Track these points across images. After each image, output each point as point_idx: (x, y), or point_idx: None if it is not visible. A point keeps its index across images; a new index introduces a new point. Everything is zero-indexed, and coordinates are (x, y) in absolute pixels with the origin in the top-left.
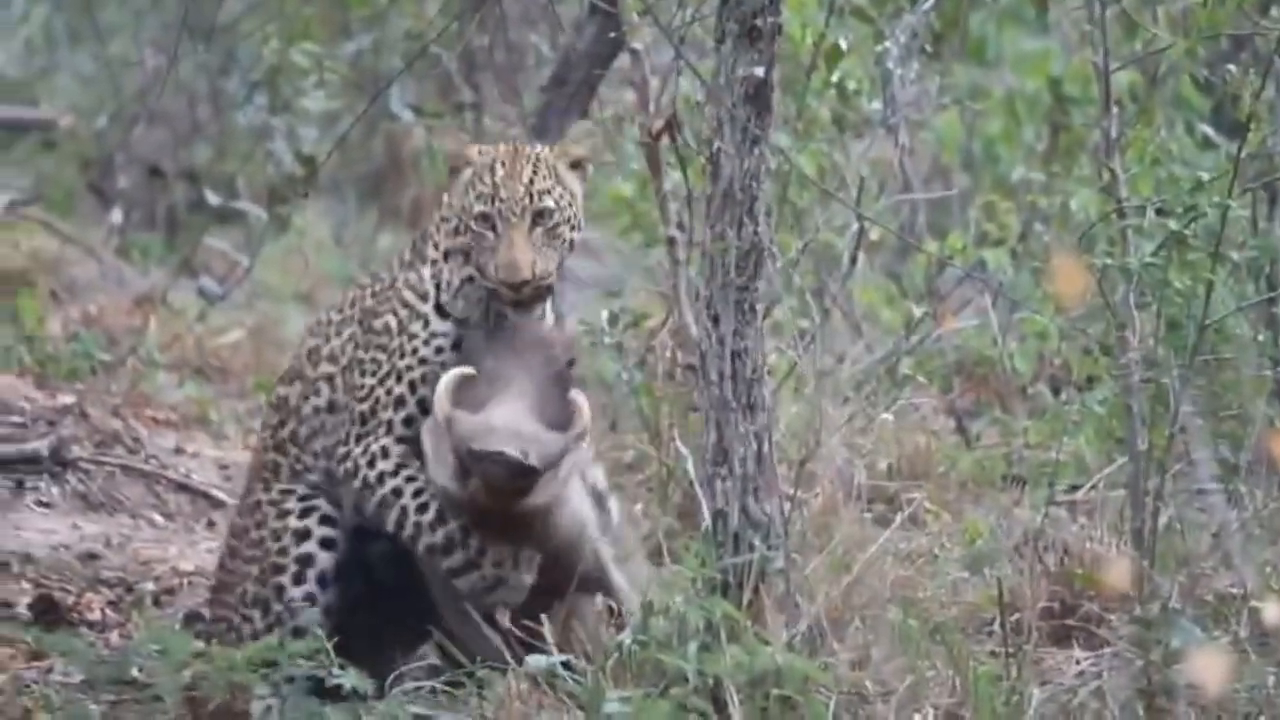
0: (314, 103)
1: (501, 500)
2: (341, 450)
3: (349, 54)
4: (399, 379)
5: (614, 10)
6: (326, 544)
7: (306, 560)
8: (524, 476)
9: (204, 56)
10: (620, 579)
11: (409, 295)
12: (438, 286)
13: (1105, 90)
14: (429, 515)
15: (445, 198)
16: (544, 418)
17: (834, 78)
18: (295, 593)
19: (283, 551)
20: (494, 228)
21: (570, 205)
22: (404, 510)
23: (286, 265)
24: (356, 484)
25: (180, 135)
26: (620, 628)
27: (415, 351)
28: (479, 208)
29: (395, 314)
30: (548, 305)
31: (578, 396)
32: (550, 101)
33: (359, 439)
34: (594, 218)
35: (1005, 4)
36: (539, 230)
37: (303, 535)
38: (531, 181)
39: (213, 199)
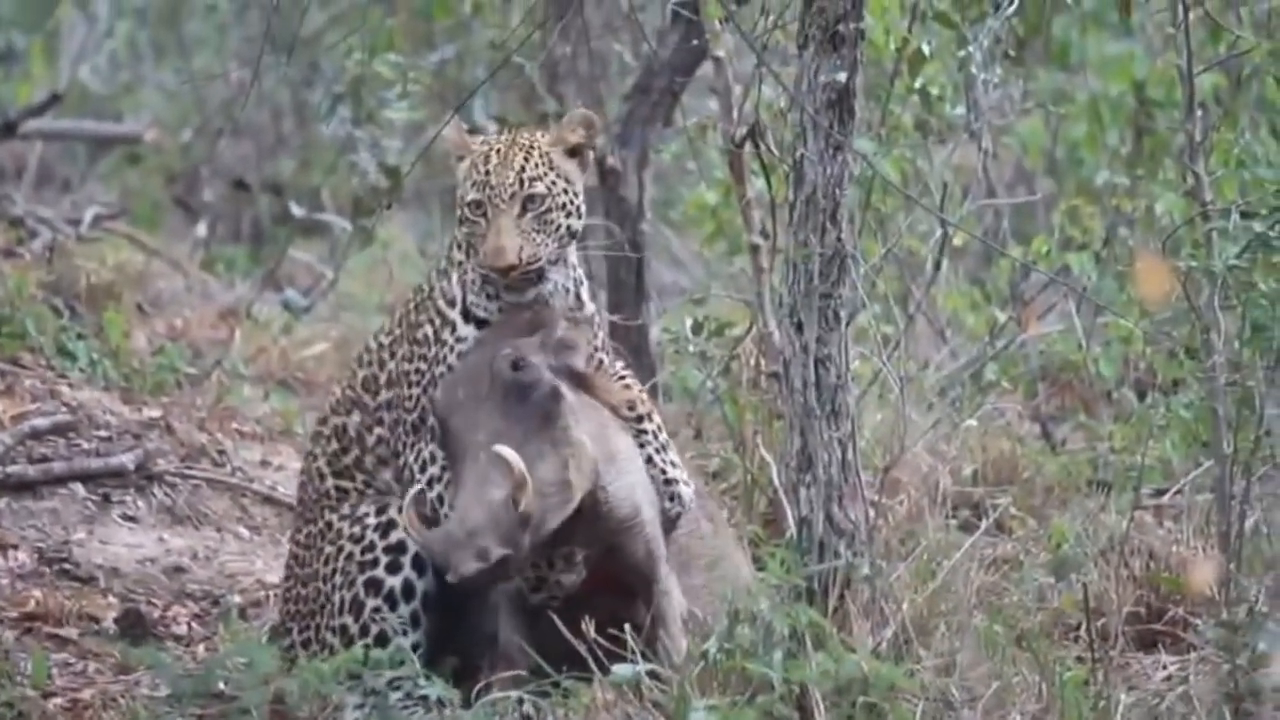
0: (398, 114)
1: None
2: (398, 461)
3: (433, 64)
4: (438, 387)
5: (696, 18)
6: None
7: (394, 564)
8: (498, 569)
9: (288, 69)
10: (668, 575)
11: (441, 304)
12: (463, 290)
13: (1189, 93)
14: None
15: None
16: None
17: (917, 83)
18: (393, 581)
19: (369, 548)
20: (485, 214)
21: (565, 191)
22: (448, 516)
23: (371, 277)
24: (414, 491)
25: (265, 148)
26: (652, 629)
27: (445, 359)
28: (472, 195)
29: (432, 323)
30: (576, 290)
31: (508, 455)
32: (633, 110)
33: (411, 446)
34: (677, 226)
35: (1089, 8)
36: (529, 216)
37: (386, 529)
38: (523, 169)
39: (297, 211)
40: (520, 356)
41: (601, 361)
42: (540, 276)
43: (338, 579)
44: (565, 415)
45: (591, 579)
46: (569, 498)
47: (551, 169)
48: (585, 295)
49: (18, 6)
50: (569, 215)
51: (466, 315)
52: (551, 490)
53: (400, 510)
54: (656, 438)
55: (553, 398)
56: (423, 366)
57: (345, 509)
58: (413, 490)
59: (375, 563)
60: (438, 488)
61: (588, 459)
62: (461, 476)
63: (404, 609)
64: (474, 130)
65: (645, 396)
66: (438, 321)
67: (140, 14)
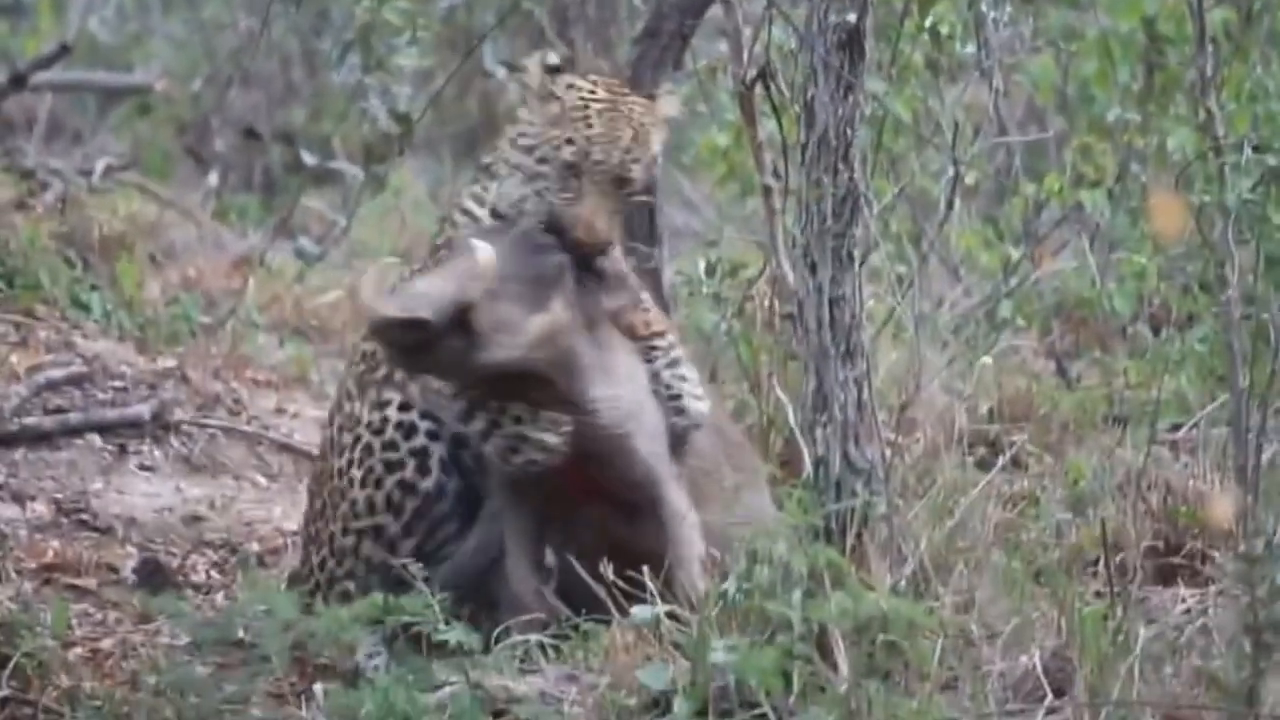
0: (408, 60)
1: (413, 362)
2: None
3: (442, 11)
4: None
5: None
6: (434, 435)
7: (423, 451)
8: (411, 329)
9: (296, 17)
10: (678, 500)
11: (470, 204)
12: (498, 196)
13: (1200, 28)
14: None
15: (524, 116)
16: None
17: (927, 22)
18: (426, 484)
19: (391, 447)
20: (579, 179)
21: (649, 170)
22: (440, 394)
23: (383, 224)
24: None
25: (275, 97)
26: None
27: None
28: (566, 154)
29: (454, 225)
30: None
31: (479, 246)
32: (643, 54)
33: None
34: (689, 169)
35: None
36: (619, 195)
37: (410, 430)
38: (628, 150)
39: (309, 159)
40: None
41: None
42: (608, 249)
43: (355, 473)
44: (558, 290)
45: (585, 484)
46: (517, 345)
47: (646, 149)
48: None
49: None
50: (648, 194)
51: (496, 215)
52: (503, 326)
53: None
54: (667, 354)
55: (556, 269)
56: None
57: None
58: (381, 263)
59: (402, 464)
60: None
61: (553, 334)
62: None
63: (444, 505)
64: (558, 69)
65: (662, 317)
66: (462, 221)
67: None
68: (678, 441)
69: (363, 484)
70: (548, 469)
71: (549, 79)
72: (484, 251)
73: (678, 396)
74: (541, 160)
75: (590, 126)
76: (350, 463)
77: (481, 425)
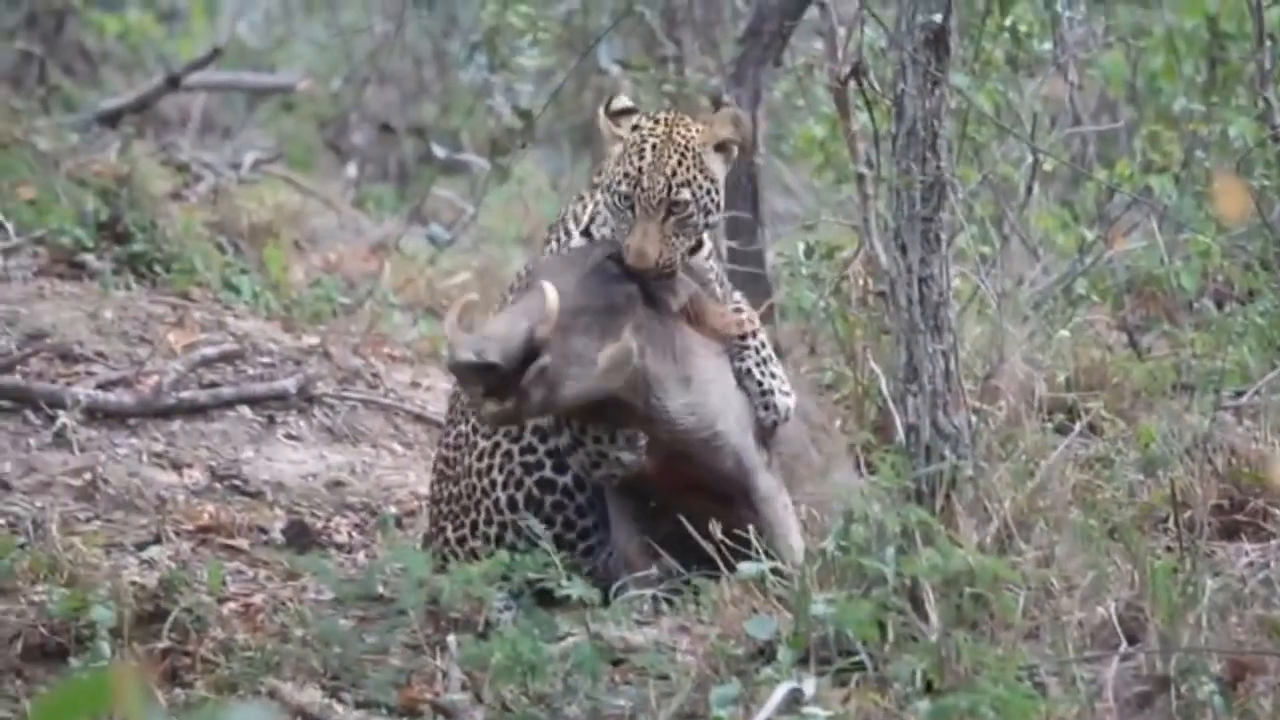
0: (529, 60)
1: (491, 402)
2: None
3: (560, 14)
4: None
5: None
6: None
7: (558, 450)
8: (485, 373)
9: (428, 21)
10: (769, 485)
11: (570, 222)
12: (590, 220)
13: (1259, 25)
14: None
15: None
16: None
17: (1007, 21)
18: (564, 479)
19: (529, 449)
20: (632, 210)
21: (709, 193)
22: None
23: (508, 211)
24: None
25: (408, 94)
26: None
27: None
28: (623, 187)
29: (558, 240)
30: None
31: (547, 288)
32: (746, 52)
33: None
34: (789, 158)
35: None
36: (671, 220)
37: (545, 433)
38: (674, 174)
39: (439, 152)
40: (620, 259)
41: (714, 294)
42: (672, 273)
43: (497, 476)
44: (628, 318)
45: (677, 480)
46: (590, 377)
47: (701, 171)
48: (705, 247)
49: None
50: (708, 214)
51: (588, 236)
52: (576, 360)
53: None
54: (758, 353)
55: (626, 298)
56: None
57: None
58: (464, 298)
59: (540, 464)
60: None
61: (624, 361)
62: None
63: (581, 498)
64: (626, 112)
65: (755, 318)
66: (562, 238)
67: None
68: (767, 433)
69: (504, 486)
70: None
71: (613, 123)
72: (551, 293)
73: (768, 393)
74: (611, 194)
75: (642, 157)
76: (490, 466)
77: (566, 440)
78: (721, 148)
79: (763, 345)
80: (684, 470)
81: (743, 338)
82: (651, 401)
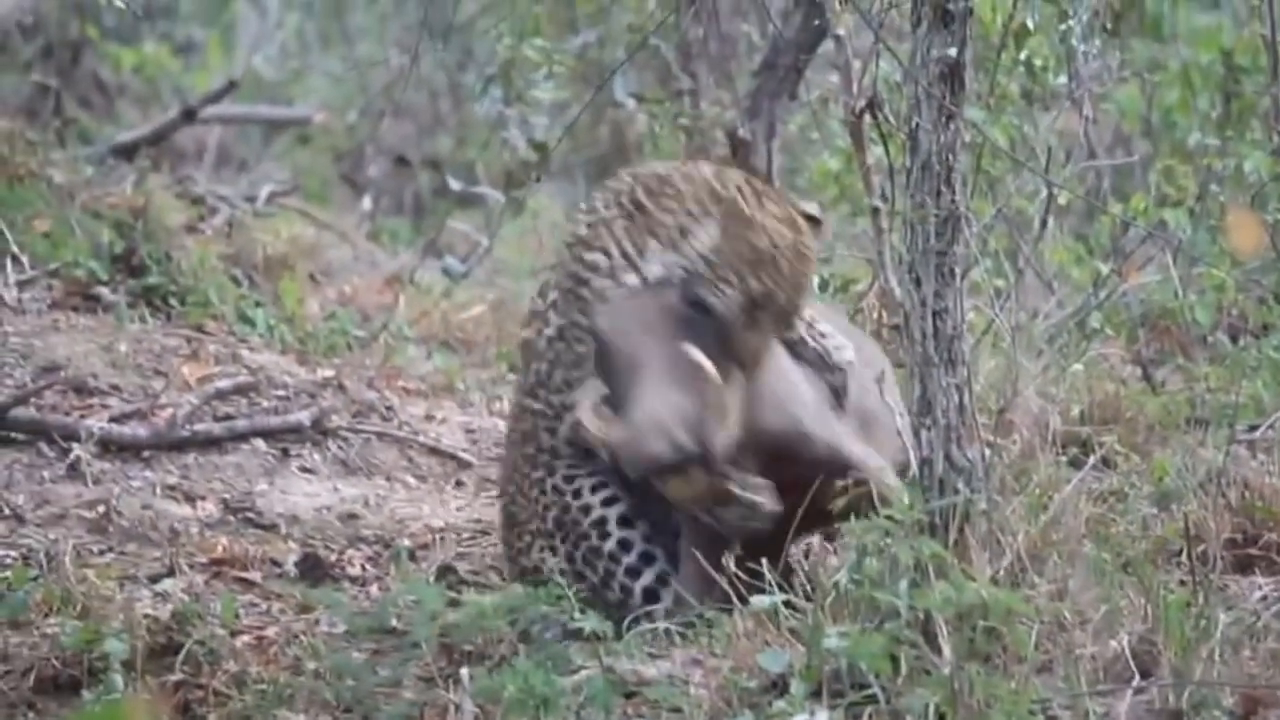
0: (545, 93)
1: (680, 482)
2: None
3: (576, 47)
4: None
5: (818, 0)
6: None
7: (625, 544)
8: (688, 463)
9: (443, 54)
10: (863, 453)
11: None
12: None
13: (1273, 60)
14: None
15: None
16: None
17: (1022, 55)
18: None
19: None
20: (751, 317)
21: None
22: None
23: (523, 244)
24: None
25: (423, 127)
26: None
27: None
28: (753, 287)
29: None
30: None
31: (690, 350)
32: (761, 86)
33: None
34: (804, 191)
35: None
36: (776, 333)
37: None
38: (800, 305)
39: (454, 185)
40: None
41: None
42: None
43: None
44: (702, 359)
45: (785, 484)
46: (727, 422)
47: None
48: None
49: (197, 2)
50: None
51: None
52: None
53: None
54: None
55: (722, 330)
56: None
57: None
58: (595, 392)
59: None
60: None
61: (742, 394)
62: (636, 390)
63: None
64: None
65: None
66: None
67: (308, 6)
68: (838, 395)
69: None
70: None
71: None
72: (708, 366)
73: (825, 354)
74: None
75: (778, 269)
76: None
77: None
78: (812, 220)
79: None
80: (788, 472)
81: None
82: (750, 425)
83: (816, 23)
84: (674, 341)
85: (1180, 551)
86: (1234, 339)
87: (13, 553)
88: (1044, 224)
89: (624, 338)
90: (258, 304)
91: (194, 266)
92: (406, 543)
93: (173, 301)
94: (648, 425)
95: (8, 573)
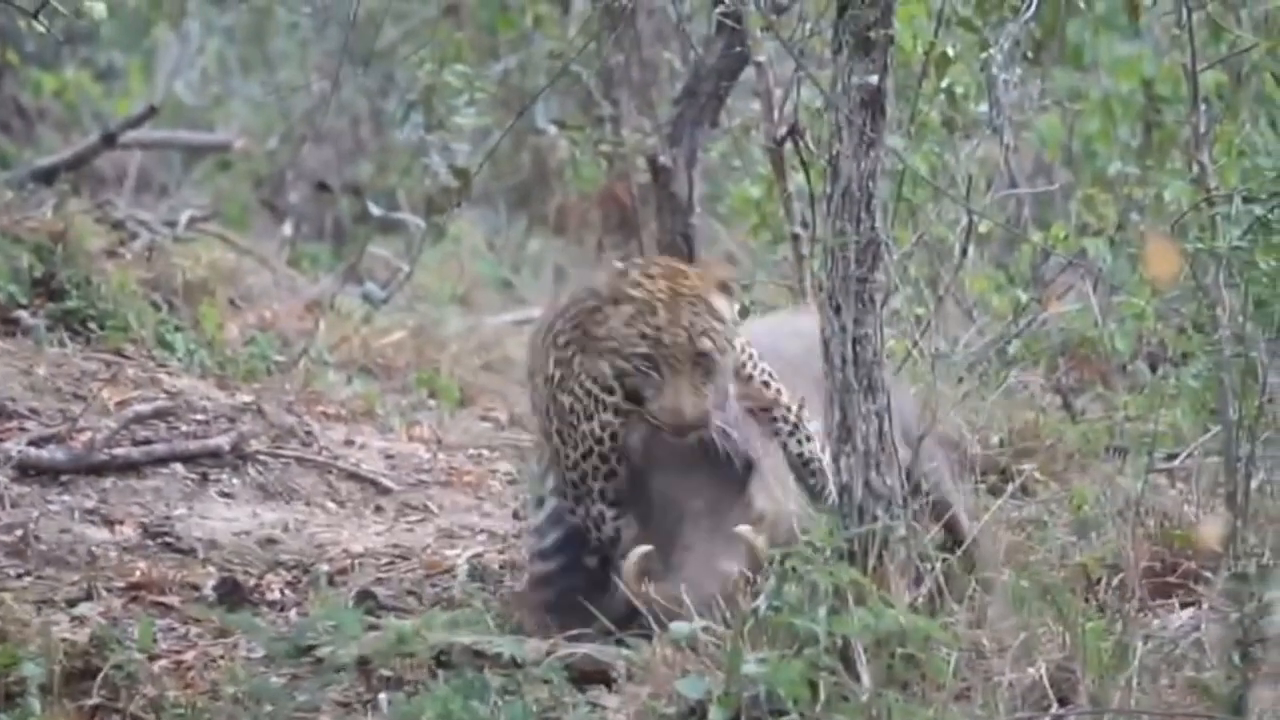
0: (466, 120)
1: None
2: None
3: (497, 74)
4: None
5: (739, 27)
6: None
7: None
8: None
9: (364, 80)
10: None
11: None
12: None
13: (1194, 89)
14: None
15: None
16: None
17: (943, 83)
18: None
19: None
20: (657, 369)
21: (723, 335)
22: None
23: (444, 270)
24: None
25: (344, 153)
26: None
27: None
28: (642, 348)
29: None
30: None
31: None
32: (682, 113)
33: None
34: (724, 218)
35: (1100, 12)
36: (699, 371)
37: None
38: (692, 324)
39: (375, 210)
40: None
41: (751, 377)
42: (705, 425)
43: None
44: (753, 483)
45: None
46: (758, 564)
47: (714, 316)
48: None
49: (118, 28)
50: (725, 354)
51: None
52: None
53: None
54: (787, 422)
55: (747, 469)
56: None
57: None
58: (638, 550)
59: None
60: (612, 543)
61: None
62: (682, 541)
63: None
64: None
65: (782, 389)
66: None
67: (228, 32)
68: (817, 497)
69: None
70: None
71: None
72: (760, 543)
73: (809, 461)
74: (627, 359)
75: (656, 315)
76: None
77: None
78: (723, 288)
79: (788, 412)
80: None
81: (774, 419)
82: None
83: (738, 49)
84: (713, 487)
85: (1099, 580)
86: (1153, 368)
87: None
88: (964, 252)
89: (662, 474)
90: (177, 329)
91: (114, 291)
92: (325, 567)
93: (92, 326)
94: (692, 603)
95: None
